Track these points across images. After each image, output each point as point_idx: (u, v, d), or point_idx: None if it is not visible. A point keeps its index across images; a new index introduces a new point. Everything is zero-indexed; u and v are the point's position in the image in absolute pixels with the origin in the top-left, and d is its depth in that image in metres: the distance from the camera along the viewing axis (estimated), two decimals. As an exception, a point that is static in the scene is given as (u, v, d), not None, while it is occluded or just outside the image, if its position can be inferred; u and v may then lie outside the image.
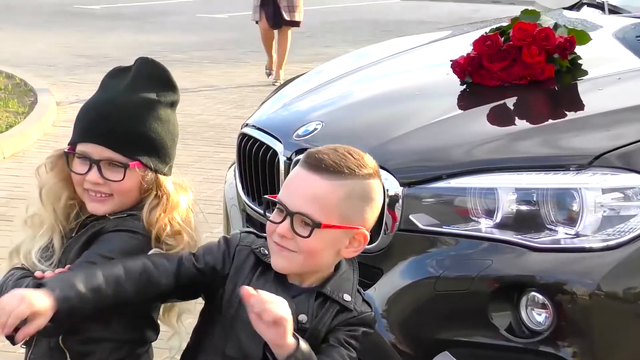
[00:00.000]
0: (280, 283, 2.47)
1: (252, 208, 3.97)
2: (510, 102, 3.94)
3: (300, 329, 2.42)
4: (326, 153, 2.44)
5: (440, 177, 3.47)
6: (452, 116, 3.85)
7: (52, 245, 2.57)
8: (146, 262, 2.49)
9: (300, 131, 3.82)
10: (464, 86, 4.04)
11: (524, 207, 3.38)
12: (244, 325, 2.43)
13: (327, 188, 2.39)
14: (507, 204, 3.36)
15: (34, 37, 15.64)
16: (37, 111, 9.91)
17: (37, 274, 2.46)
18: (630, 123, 3.56)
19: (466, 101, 4.07)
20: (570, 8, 5.26)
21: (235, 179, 4.18)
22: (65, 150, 2.58)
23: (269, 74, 11.94)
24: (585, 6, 5.13)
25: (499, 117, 3.92)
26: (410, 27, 15.67)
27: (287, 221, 2.39)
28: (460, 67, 3.95)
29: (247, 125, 4.18)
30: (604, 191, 3.31)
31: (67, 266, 2.49)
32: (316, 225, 2.37)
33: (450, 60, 4.02)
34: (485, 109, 3.88)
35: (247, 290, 2.30)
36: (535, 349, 3.26)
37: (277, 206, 2.45)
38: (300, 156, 3.20)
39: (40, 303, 2.28)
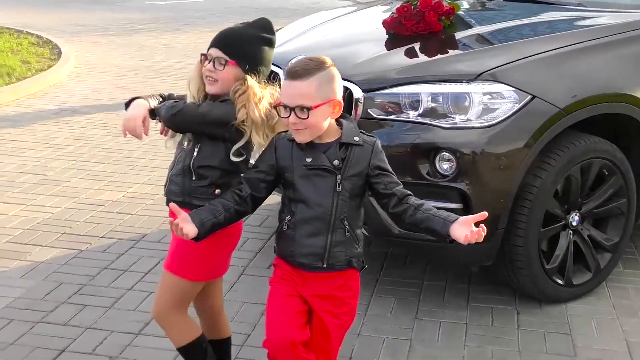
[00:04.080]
0: (311, 147, 2.55)
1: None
2: (420, 44, 4.10)
3: (337, 168, 2.52)
4: (296, 65, 2.51)
5: (385, 87, 3.72)
6: (387, 52, 4.09)
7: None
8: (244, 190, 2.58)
9: (293, 61, 3.89)
10: (390, 35, 4.25)
11: (435, 104, 3.59)
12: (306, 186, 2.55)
13: (305, 85, 2.47)
14: (426, 102, 3.60)
15: (43, 13, 15.39)
16: (64, 58, 10.07)
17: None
18: (494, 55, 3.79)
19: (393, 44, 4.18)
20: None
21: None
22: (202, 54, 2.68)
23: None
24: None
25: (415, 52, 4.03)
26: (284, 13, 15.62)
27: (292, 114, 2.48)
28: (387, 24, 4.25)
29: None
30: (484, 94, 3.56)
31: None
32: (309, 109, 2.46)
33: (381, 20, 4.40)
34: (406, 48, 4.04)
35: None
36: (444, 185, 3.53)
37: (282, 107, 2.51)
38: None
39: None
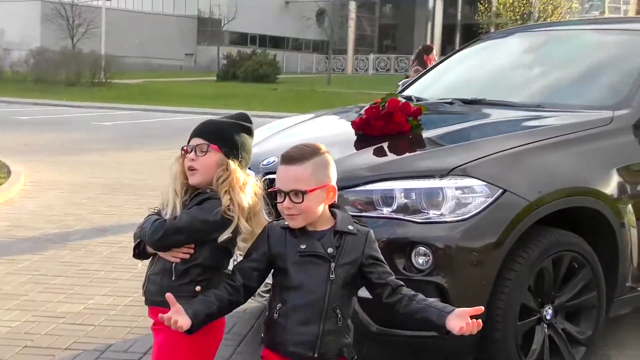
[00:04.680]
0: (305, 234, 2.55)
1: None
2: (390, 143, 4.13)
3: (331, 256, 2.52)
4: (291, 151, 2.57)
5: (358, 184, 3.74)
6: (358, 151, 4.14)
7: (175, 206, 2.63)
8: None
9: (264, 162, 3.97)
10: (358, 136, 4.30)
11: (408, 200, 3.64)
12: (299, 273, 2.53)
13: (300, 169, 2.51)
14: (399, 198, 3.64)
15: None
16: (14, 176, 10.00)
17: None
18: (463, 152, 3.86)
19: (363, 143, 4.21)
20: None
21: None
22: (182, 148, 2.70)
23: None
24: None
25: (386, 151, 4.08)
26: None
27: (287, 198, 2.51)
28: (356, 125, 4.31)
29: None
30: (456, 189, 3.62)
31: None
32: (304, 192, 2.49)
33: (350, 121, 4.48)
34: (376, 147, 4.08)
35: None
36: (421, 279, 3.50)
37: (277, 193, 2.53)
38: (268, 176, 3.60)
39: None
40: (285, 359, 2.60)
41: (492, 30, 46.13)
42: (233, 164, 2.66)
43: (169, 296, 2.47)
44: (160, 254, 2.66)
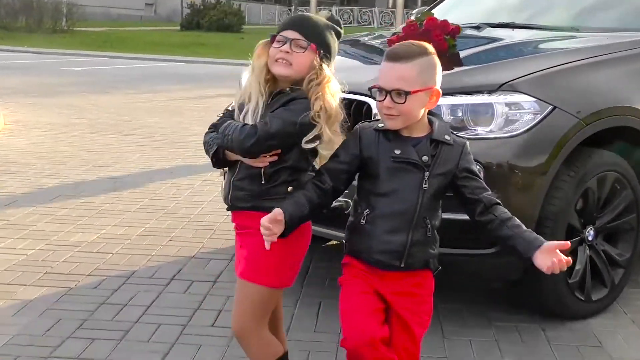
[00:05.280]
0: (399, 139, 2.43)
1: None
2: None
3: (425, 165, 2.41)
4: (398, 47, 2.44)
5: None
6: None
7: (258, 106, 2.48)
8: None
9: None
10: None
11: (454, 117, 3.54)
12: (391, 180, 2.42)
13: (406, 68, 2.36)
14: (445, 115, 3.51)
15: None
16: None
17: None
18: (510, 69, 3.76)
19: None
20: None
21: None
22: (271, 35, 2.51)
23: None
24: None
25: None
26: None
27: (388, 97, 2.38)
28: (393, 43, 4.22)
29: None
30: (506, 104, 3.54)
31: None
32: (407, 93, 2.35)
33: (386, 39, 4.36)
34: None
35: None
36: None
37: (377, 90, 2.40)
38: None
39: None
40: (369, 266, 2.52)
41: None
42: (327, 69, 2.50)
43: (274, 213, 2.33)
44: (247, 160, 2.51)
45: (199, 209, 5.80)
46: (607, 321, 3.90)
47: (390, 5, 51.44)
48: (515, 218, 2.49)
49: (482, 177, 2.58)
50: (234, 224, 2.65)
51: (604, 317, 3.93)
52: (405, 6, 50.15)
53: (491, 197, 2.51)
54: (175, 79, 17.12)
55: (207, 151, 2.59)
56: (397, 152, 2.43)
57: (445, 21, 4.15)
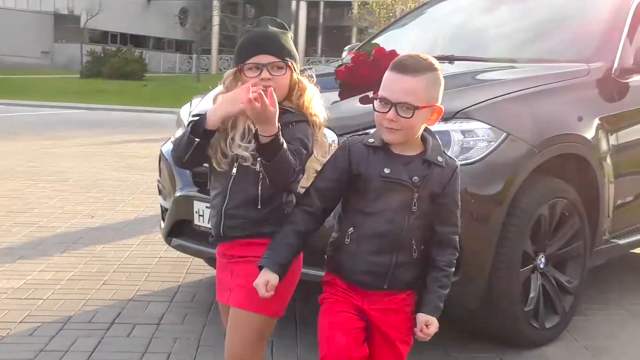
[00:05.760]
0: (390, 157, 2.35)
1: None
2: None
3: (415, 186, 2.32)
4: (406, 60, 2.34)
5: (359, 130, 3.37)
6: (354, 97, 3.90)
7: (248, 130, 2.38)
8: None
9: None
10: (344, 85, 4.10)
11: None
12: (378, 199, 2.35)
13: (415, 81, 2.29)
14: None
15: None
16: None
17: None
18: (463, 96, 3.73)
19: (354, 91, 3.96)
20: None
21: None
22: (237, 68, 2.41)
23: None
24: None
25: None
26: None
27: (392, 110, 2.29)
28: (341, 73, 4.14)
29: (195, 115, 4.05)
30: (462, 132, 3.52)
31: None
32: (416, 108, 2.28)
33: (335, 68, 4.30)
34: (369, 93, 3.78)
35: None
36: None
37: (380, 101, 2.32)
38: None
39: None
40: (351, 285, 2.43)
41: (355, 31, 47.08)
42: (306, 81, 2.47)
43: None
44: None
45: (128, 252, 5.56)
46: (560, 349, 3.89)
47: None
48: (448, 272, 2.45)
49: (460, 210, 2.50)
50: (219, 253, 2.55)
51: (556, 345, 3.92)
52: (306, 54, 51.12)
53: (452, 238, 2.46)
54: (80, 125, 16.70)
55: (180, 144, 2.45)
56: (387, 171, 2.34)
57: (393, 51, 4.08)
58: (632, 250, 5.05)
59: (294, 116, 2.43)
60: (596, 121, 4.13)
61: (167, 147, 4.50)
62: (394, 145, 2.37)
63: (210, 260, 4.70)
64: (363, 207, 2.38)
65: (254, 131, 2.34)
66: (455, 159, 2.51)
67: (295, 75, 2.45)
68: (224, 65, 52.48)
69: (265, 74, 2.39)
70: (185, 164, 2.55)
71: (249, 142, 2.37)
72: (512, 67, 4.44)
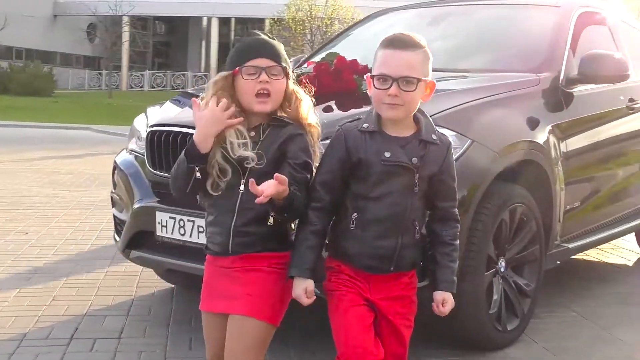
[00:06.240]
0: (387, 140, 2.37)
1: (161, 176, 3.83)
2: (339, 99, 3.95)
3: (415, 166, 2.36)
4: (401, 36, 2.37)
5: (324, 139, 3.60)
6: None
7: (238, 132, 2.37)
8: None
9: None
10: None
11: None
12: (381, 183, 2.37)
13: (414, 55, 2.33)
14: None
15: None
16: None
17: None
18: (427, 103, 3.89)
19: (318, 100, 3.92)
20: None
21: (147, 160, 3.98)
22: (234, 71, 2.39)
23: None
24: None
25: (344, 106, 3.95)
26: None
27: (395, 85, 2.31)
28: (302, 84, 4.22)
29: (154, 125, 3.97)
30: None
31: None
32: (418, 80, 2.32)
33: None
34: (335, 101, 3.90)
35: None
36: None
37: (378, 78, 2.34)
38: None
39: None
40: (357, 270, 2.46)
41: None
42: (302, 92, 2.49)
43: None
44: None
45: (72, 267, 5.41)
46: (521, 351, 3.98)
47: (202, 70, 51.77)
48: (455, 245, 2.54)
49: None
50: (214, 264, 2.51)
51: (518, 347, 4.01)
52: (219, 70, 50.73)
53: (452, 212, 2.53)
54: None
55: (177, 177, 2.44)
56: (388, 154, 2.37)
57: (354, 60, 4.19)
58: (572, 257, 5.21)
59: (295, 128, 2.44)
60: (548, 128, 4.26)
61: (122, 157, 4.42)
62: (389, 128, 2.41)
63: (169, 272, 4.63)
64: (366, 192, 2.40)
65: (245, 133, 2.38)
66: (446, 134, 2.57)
67: (291, 85, 2.47)
68: (135, 82, 51.70)
69: (263, 76, 2.39)
70: (188, 194, 2.48)
71: (245, 139, 2.38)
72: (464, 77, 4.53)
